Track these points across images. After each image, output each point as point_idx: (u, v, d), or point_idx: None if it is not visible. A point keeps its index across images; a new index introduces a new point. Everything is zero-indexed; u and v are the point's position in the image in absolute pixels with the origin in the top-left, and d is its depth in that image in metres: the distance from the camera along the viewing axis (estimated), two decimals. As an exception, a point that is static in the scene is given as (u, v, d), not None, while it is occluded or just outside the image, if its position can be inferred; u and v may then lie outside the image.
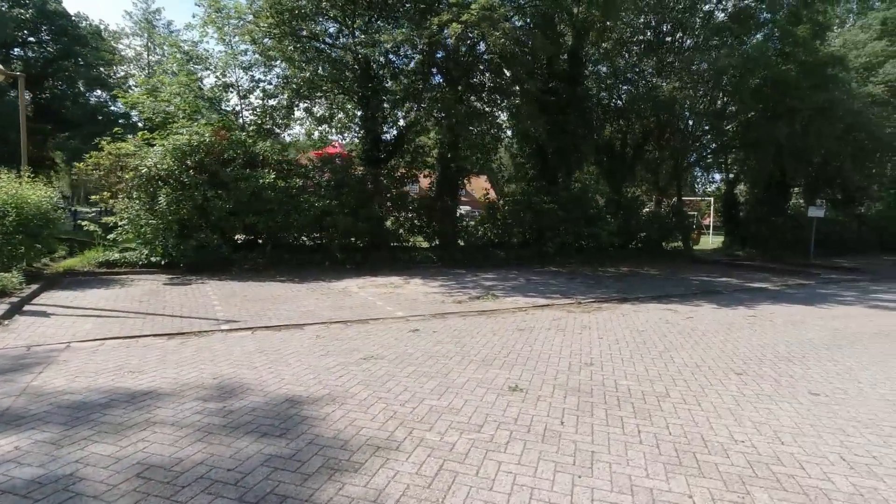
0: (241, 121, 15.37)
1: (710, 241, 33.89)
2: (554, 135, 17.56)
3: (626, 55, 20.28)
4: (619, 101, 20.92)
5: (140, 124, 20.23)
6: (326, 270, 12.97)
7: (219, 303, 8.61)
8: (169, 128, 12.02)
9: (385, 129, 15.21)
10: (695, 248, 22.66)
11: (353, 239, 13.79)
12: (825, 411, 4.46)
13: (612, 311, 9.02)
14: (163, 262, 11.23)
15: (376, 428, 3.78)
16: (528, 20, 16.66)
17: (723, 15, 20.12)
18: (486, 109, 16.24)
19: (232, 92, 15.33)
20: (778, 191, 25.31)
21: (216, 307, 8.24)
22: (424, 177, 16.96)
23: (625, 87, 20.06)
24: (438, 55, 13.98)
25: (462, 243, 16.23)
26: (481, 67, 14.63)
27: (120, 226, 11.34)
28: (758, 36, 19.38)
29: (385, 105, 14.25)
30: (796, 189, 29.91)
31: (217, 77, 15.07)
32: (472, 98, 15.16)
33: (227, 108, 15.59)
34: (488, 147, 15.91)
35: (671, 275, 15.42)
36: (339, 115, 16.04)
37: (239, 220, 11.99)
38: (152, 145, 11.62)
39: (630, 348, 6.41)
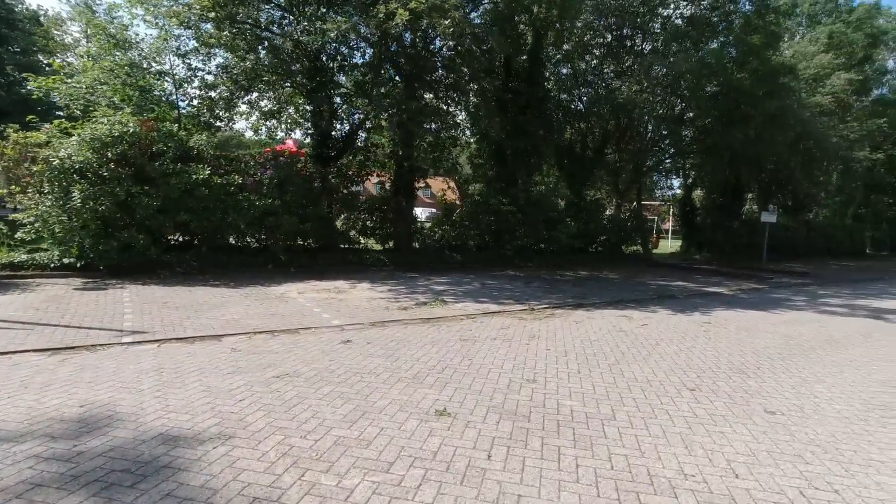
0: (177, 112, 14.28)
1: (669, 246, 34.42)
2: (514, 135, 17.18)
3: (587, 58, 20.15)
4: (579, 104, 20.78)
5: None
6: (269, 274, 12.10)
7: (131, 311, 7.69)
8: (90, 116, 10.91)
9: (336, 125, 14.44)
10: (654, 252, 22.74)
11: (299, 240, 12.96)
12: (782, 433, 4.03)
13: (565, 318, 8.57)
14: (79, 265, 10.13)
15: (261, 470, 3.09)
16: (487, 18, 16.24)
17: (681, 21, 20.26)
18: (443, 107, 15.69)
19: (167, 81, 14.23)
20: (733, 196, 25.79)
21: (126, 316, 7.33)
22: (378, 176, 16.26)
23: (585, 90, 19.91)
24: (392, 48, 13.33)
25: (417, 246, 15.60)
26: (437, 63, 14.05)
27: (28, 223, 10.17)
28: (714, 43, 19.56)
29: (335, 100, 13.50)
30: (750, 195, 30.69)
31: (149, 64, 13.91)
32: (429, 96, 14.58)
33: (163, 99, 14.44)
34: (444, 146, 15.33)
35: (629, 278, 15.23)
36: (290, 111, 15.15)
37: (169, 219, 10.98)
38: (71, 135, 10.51)
39: (578, 361, 5.91)
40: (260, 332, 6.71)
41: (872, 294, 13.95)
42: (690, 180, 25.55)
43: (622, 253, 20.21)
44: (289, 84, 13.75)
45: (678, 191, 29.92)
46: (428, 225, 16.29)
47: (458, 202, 16.52)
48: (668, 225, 38.94)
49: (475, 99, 15.64)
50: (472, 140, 18.67)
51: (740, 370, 5.82)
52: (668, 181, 28.38)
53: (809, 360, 6.44)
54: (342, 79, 14.12)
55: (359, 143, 14.86)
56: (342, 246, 13.90)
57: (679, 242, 31.90)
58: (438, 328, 7.42)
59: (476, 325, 7.74)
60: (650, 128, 20.55)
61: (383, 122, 14.09)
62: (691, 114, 20.46)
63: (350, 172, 13.88)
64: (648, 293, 12.11)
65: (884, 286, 16.32)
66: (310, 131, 14.49)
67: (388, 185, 15.36)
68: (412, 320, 7.88)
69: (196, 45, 13.19)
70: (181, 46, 13.61)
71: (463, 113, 16.45)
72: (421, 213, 18.52)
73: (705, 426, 4.11)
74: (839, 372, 5.94)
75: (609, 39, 19.46)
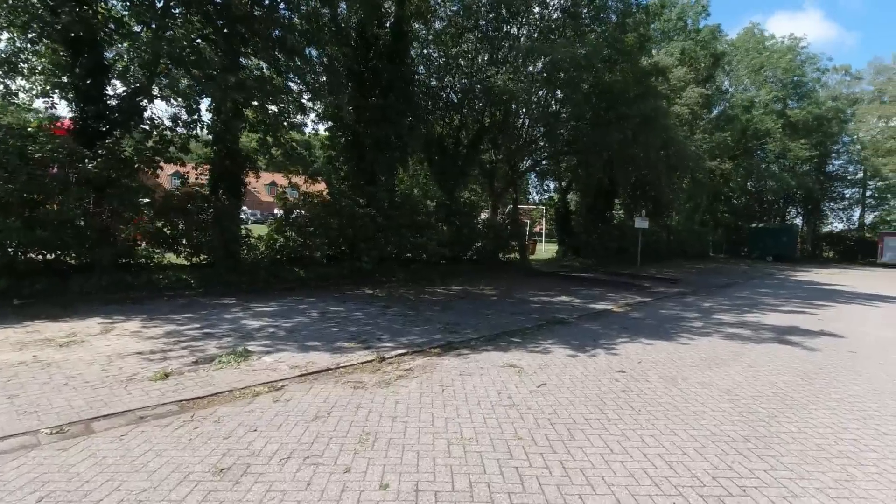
0: None
1: (544, 250, 33.99)
2: (373, 122, 14.09)
3: (461, 42, 17.77)
4: (452, 94, 18.36)
5: None
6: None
7: None
8: None
9: (112, 85, 10.05)
10: (530, 258, 21.17)
11: (32, 255, 8.46)
12: None
13: (427, 377, 5.63)
14: None
15: None
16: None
17: (559, 14, 18.81)
18: (276, 80, 12.02)
19: None
20: (605, 201, 25.50)
21: None
22: (193, 168, 12.03)
23: (458, 77, 17.48)
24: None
25: (246, 259, 11.72)
26: (258, 16, 10.37)
27: None
28: (591, 36, 18.37)
29: (106, 52, 9.22)
30: (617, 200, 31.21)
31: None
32: (255, 56, 10.89)
33: None
34: (277, 127, 11.68)
35: (508, 293, 12.98)
36: (38, 64, 10.30)
37: None
38: None
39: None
40: None
41: (748, 304, 13.26)
42: (566, 183, 24.67)
43: (499, 261, 18.17)
44: (28, 17, 9.08)
45: (553, 194, 29.28)
46: (258, 231, 12.47)
47: (301, 202, 12.92)
48: (541, 228, 38.78)
49: (320, 70, 12.20)
50: (317, 125, 15.16)
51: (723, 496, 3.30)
52: (545, 184, 27.51)
53: (794, 458, 4.20)
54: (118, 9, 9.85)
55: (153, 118, 10.56)
56: (119, 262, 9.59)
57: (553, 247, 31.48)
58: (194, 429, 4.00)
59: (274, 411, 4.45)
60: (527, 123, 18.81)
61: (182, 89, 10.03)
62: (566, 113, 19.18)
63: (127, 156, 9.48)
64: (533, 316, 9.78)
65: (747, 292, 16.17)
66: (68, 94, 9.87)
67: (197, 178, 11.24)
68: (153, 412, 4.34)
69: None
70: None
71: (300, 87, 12.85)
72: (254, 215, 14.41)
73: None
74: (848, 480, 3.72)
75: (483, 24, 17.27)
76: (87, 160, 8.61)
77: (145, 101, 10.10)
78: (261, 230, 13.16)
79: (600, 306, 11.72)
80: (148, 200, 9.88)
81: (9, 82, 10.43)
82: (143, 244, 10.01)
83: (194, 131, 10.46)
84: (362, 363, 6.06)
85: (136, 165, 9.41)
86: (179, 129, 10.30)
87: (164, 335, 6.84)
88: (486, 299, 11.88)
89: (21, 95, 11.36)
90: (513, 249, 19.07)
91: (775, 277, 23.02)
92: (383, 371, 5.81)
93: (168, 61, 9.21)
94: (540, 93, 16.87)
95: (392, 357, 6.40)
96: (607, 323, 9.69)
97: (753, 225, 43.82)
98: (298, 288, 11.63)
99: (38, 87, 11.11)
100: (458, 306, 10.62)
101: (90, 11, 8.91)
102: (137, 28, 9.98)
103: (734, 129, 31.72)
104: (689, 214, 40.30)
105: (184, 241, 10.44)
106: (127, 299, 9.04)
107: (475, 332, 8.06)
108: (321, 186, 13.95)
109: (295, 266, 12.29)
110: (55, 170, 8.29)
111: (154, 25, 9.20)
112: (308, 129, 14.64)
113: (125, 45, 9.04)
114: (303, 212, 13.06)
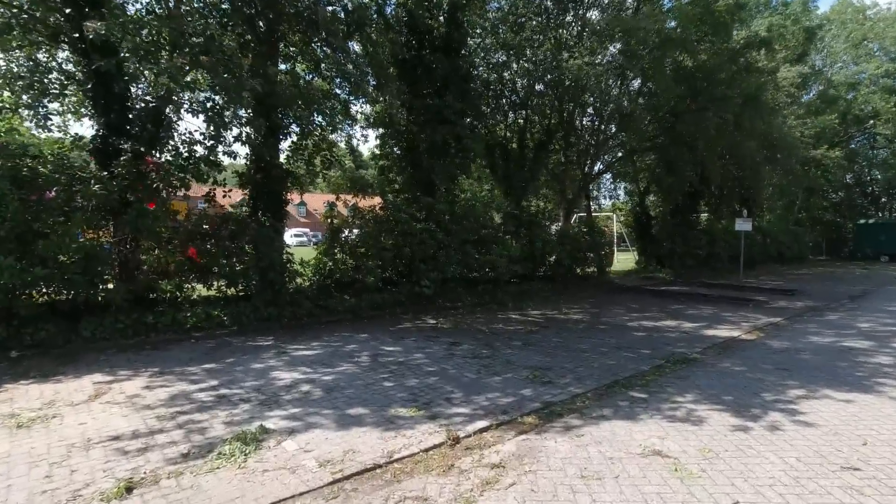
0: None
1: (617, 260, 30.88)
2: (428, 124, 12.28)
3: (523, 31, 15.72)
4: (515, 90, 16.27)
5: None
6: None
7: None
8: None
9: (137, 100, 8.83)
10: (608, 270, 18.51)
11: (36, 295, 7.17)
12: None
13: (528, 483, 3.52)
14: None
15: None
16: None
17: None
18: (325, 87, 10.50)
19: None
20: (691, 202, 22.38)
21: None
22: (223, 188, 10.44)
23: (522, 71, 15.33)
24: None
25: (289, 289, 10.10)
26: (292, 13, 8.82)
27: None
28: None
29: (126, 53, 7.98)
30: (702, 201, 27.75)
31: None
32: (299, 56, 9.40)
33: None
34: (324, 145, 10.05)
35: (598, 318, 10.63)
36: (56, 79, 9.27)
37: None
38: None
39: None
40: None
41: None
42: (645, 184, 21.83)
43: (576, 277, 15.73)
44: (36, 22, 7.98)
45: (627, 198, 26.37)
46: (303, 256, 10.87)
47: (351, 219, 11.25)
48: (610, 236, 35.60)
49: (364, 64, 10.50)
50: (366, 131, 13.54)
51: None
52: (615, 187, 24.72)
53: None
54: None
55: (180, 132, 9.23)
56: (150, 296, 8.22)
57: (625, 256, 28.39)
58: None
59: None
60: (603, 115, 16.34)
61: (215, 96, 8.65)
62: (648, 100, 16.51)
63: (150, 170, 8.06)
64: (643, 352, 7.42)
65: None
66: (88, 110, 8.73)
67: (224, 196, 9.74)
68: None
69: None
70: None
71: (350, 90, 11.24)
72: (291, 237, 12.95)
73: None
74: None
75: (548, 6, 15.14)
76: (93, 181, 7.27)
77: (171, 112, 8.78)
78: (302, 253, 11.60)
79: (722, 332, 9.14)
80: (174, 226, 8.48)
81: (39, 107, 9.45)
82: (169, 278, 8.58)
83: (222, 146, 9.02)
84: (426, 450, 4.04)
85: (155, 185, 8.01)
86: (208, 144, 8.88)
87: (165, 401, 5.15)
88: (575, 328, 9.60)
89: (55, 118, 10.49)
90: (590, 263, 16.57)
91: (916, 282, 19.01)
92: (459, 469, 3.76)
93: (187, 60, 7.78)
94: (616, 81, 14.45)
95: (470, 436, 4.35)
96: (751, 360, 7.16)
97: (861, 221, 38.28)
98: (349, 320, 9.86)
99: (71, 108, 10.18)
100: (543, 339, 8.42)
101: (102, 10, 7.68)
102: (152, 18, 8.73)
103: (836, 113, 27.45)
104: (782, 213, 35.69)
105: (215, 270, 8.92)
106: (146, 344, 7.57)
107: (578, 383, 5.86)
108: (374, 201, 12.24)
109: (345, 293, 10.57)
110: (52, 194, 7.02)
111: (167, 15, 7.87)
112: (356, 138, 13.03)
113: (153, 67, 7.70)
114: (355, 231, 11.37)
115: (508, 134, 17.12)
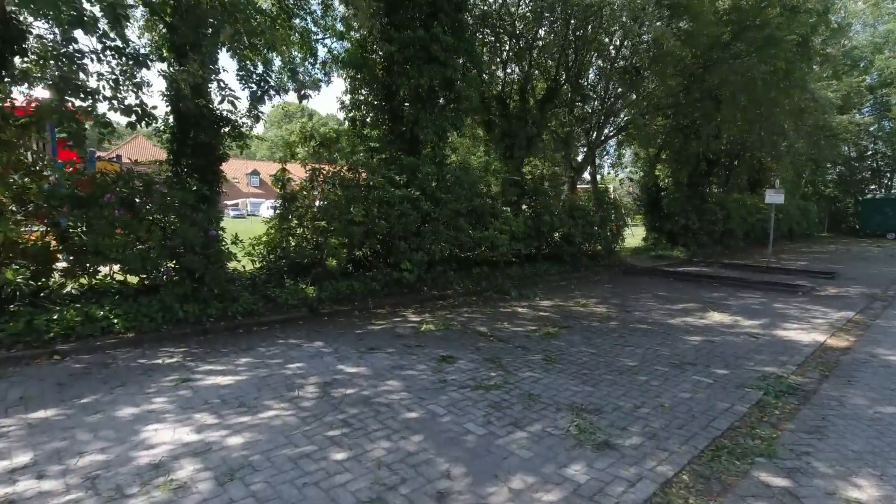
0: None
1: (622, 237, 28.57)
2: (413, 63, 9.58)
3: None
4: (514, 37, 13.48)
5: None
6: None
7: None
8: None
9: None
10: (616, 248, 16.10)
11: None
12: None
13: None
14: None
15: None
16: None
17: None
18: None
19: None
20: (706, 172, 20.08)
21: None
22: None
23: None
24: None
25: (222, 277, 7.48)
26: None
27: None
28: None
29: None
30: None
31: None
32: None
33: None
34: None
35: (625, 311, 8.30)
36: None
37: None
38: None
39: None
40: None
41: None
42: (655, 151, 19.36)
43: (583, 255, 13.28)
44: None
45: (628, 168, 23.97)
46: (239, 230, 8.23)
47: (309, 183, 8.60)
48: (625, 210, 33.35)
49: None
50: (339, 72, 10.69)
51: None
52: (620, 155, 22.17)
53: None
54: None
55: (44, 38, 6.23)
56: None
57: (634, 230, 26.10)
58: None
59: None
60: (620, 60, 13.65)
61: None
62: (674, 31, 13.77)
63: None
64: (718, 371, 5.06)
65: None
66: None
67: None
68: None
69: None
70: None
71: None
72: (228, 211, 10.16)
73: None
74: None
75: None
76: None
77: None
78: (240, 229, 8.94)
79: (798, 335, 6.89)
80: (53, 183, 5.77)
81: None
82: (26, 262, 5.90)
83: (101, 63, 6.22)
84: None
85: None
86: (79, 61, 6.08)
87: None
88: (604, 327, 7.24)
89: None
90: (599, 239, 14.15)
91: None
92: None
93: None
94: (646, 8, 11.64)
95: None
96: (882, 387, 4.85)
97: (868, 197, 36.54)
98: (302, 318, 7.34)
99: None
100: (570, 348, 6.04)
101: None
102: None
103: (861, 75, 25.15)
104: (790, 187, 33.67)
105: (99, 253, 6.22)
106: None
107: (656, 448, 3.48)
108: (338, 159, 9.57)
109: (300, 280, 8.02)
110: None
111: None
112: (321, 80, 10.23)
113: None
114: (317, 199, 8.72)
115: (506, 88, 14.39)
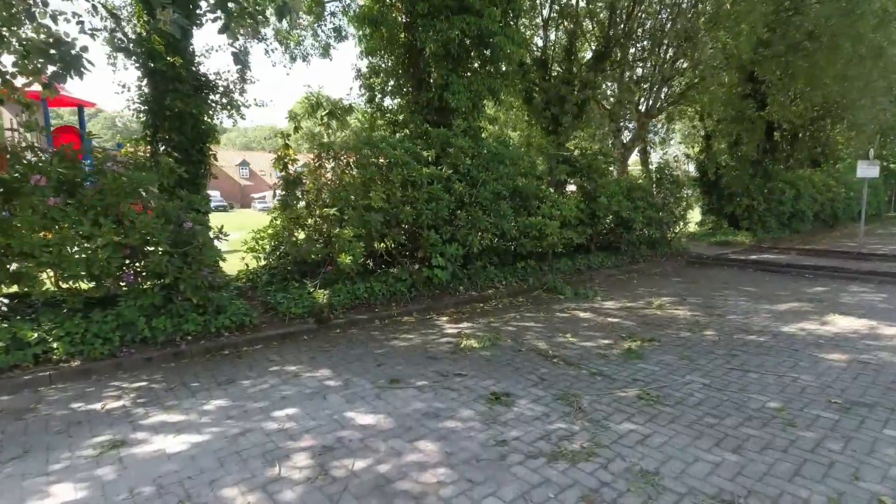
0: None
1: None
2: (440, 13, 7.83)
3: None
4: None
5: None
6: None
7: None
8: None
9: None
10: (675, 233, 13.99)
11: None
12: None
13: None
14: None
15: None
16: None
17: None
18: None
19: None
20: (768, 147, 17.72)
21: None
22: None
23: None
24: None
25: (201, 284, 5.94)
26: None
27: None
28: None
29: None
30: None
31: None
32: None
33: None
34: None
35: (727, 320, 6.38)
36: None
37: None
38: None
39: None
40: None
41: None
42: (715, 121, 17.08)
43: (638, 243, 11.29)
44: None
45: (682, 144, 21.67)
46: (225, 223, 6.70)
47: (317, 164, 7.00)
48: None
49: None
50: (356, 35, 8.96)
51: None
52: (669, 129, 19.86)
53: None
54: None
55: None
56: None
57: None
58: None
59: None
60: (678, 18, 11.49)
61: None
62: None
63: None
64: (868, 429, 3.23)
65: None
66: None
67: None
68: None
69: None
70: None
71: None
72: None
73: None
74: None
75: None
76: None
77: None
78: (225, 220, 7.41)
79: None
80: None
81: None
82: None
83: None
84: None
85: None
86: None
87: None
88: (700, 340, 5.43)
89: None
90: (659, 224, 12.12)
91: None
92: None
93: None
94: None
95: None
96: None
97: (942, 171, 32.92)
98: (307, 332, 5.77)
99: None
100: (672, 377, 4.27)
101: None
102: None
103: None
104: (853, 162, 30.52)
105: (63, 258, 4.75)
106: None
107: None
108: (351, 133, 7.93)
109: (308, 281, 6.45)
110: None
111: None
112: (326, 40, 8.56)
113: None
114: (324, 181, 7.11)
115: (546, 52, 12.42)
